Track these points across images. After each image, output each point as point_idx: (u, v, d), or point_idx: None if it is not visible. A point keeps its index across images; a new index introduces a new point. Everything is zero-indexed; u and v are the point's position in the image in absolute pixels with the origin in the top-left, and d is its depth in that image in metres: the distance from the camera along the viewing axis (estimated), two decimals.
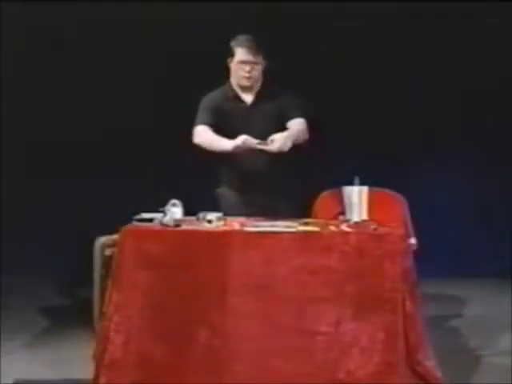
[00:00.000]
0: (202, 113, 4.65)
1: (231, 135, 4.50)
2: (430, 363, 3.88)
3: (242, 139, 4.39)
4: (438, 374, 3.90)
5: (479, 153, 7.24)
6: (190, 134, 4.76)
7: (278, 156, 4.50)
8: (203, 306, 3.87)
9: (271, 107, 4.60)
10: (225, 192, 4.71)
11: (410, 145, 7.12)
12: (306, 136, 4.62)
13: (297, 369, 3.82)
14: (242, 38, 4.65)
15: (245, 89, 4.67)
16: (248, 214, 4.33)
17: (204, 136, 4.60)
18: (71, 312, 5.89)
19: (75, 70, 7.11)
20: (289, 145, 4.41)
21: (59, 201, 7.10)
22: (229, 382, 3.83)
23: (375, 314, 3.80)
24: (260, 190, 4.60)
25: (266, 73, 4.70)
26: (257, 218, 4.20)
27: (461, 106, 7.05)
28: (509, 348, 4.95)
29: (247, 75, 4.60)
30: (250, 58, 4.59)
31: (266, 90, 4.64)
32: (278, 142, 4.39)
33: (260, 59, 4.62)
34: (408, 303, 3.82)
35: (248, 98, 4.67)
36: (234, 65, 4.65)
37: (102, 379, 3.88)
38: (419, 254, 4.15)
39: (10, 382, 4.37)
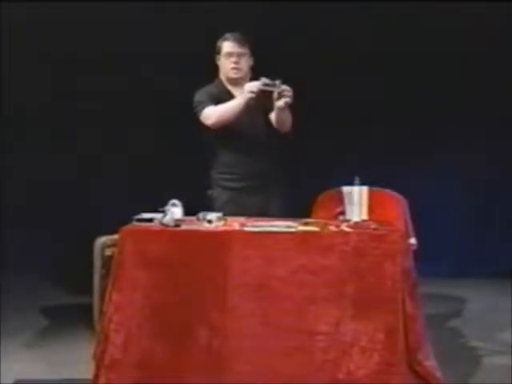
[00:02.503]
0: (203, 101, 4.66)
1: (224, 129, 4.58)
2: (430, 363, 3.88)
3: (249, 89, 4.43)
4: (438, 373, 3.90)
5: (479, 153, 7.23)
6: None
7: (271, 153, 4.64)
8: (203, 306, 3.87)
9: (260, 102, 4.59)
10: (216, 192, 4.73)
11: (410, 145, 7.12)
12: (290, 126, 4.66)
13: (297, 369, 3.82)
14: (227, 34, 4.72)
15: (234, 84, 4.69)
16: (240, 213, 4.37)
17: (216, 112, 4.60)
18: (71, 312, 5.89)
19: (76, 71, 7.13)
20: (291, 93, 4.44)
21: (59, 201, 7.10)
22: (229, 382, 3.83)
23: (375, 314, 3.80)
24: (252, 188, 4.65)
25: (253, 69, 4.74)
26: (257, 218, 4.21)
27: (461, 106, 7.05)
28: (509, 348, 4.95)
29: (235, 66, 4.65)
30: (236, 49, 4.66)
31: None
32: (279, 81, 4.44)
33: (246, 50, 4.68)
34: (408, 303, 3.81)
35: (238, 94, 4.67)
36: (221, 59, 4.70)
37: (102, 379, 3.88)
38: (419, 254, 4.15)
39: (10, 382, 4.38)
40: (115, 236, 4.01)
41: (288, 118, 4.62)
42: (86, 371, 4.00)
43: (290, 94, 4.46)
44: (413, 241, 4.27)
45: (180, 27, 6.98)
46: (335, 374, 3.80)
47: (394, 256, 3.82)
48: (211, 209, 4.44)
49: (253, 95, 4.46)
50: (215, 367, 3.84)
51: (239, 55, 4.66)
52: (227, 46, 4.67)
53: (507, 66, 7.05)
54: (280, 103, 4.48)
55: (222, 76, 4.74)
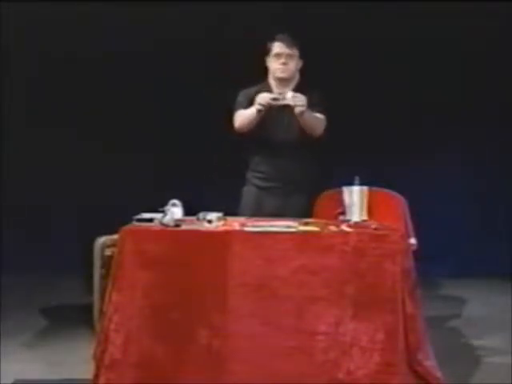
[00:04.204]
0: (238, 103, 4.75)
1: (261, 131, 4.63)
2: (430, 363, 3.88)
3: (259, 101, 4.52)
4: (438, 373, 3.90)
5: (479, 152, 7.23)
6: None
7: (300, 158, 4.67)
8: (203, 306, 3.87)
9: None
10: (247, 190, 4.80)
11: (410, 145, 7.12)
12: (320, 130, 4.67)
13: (297, 369, 3.82)
14: (277, 34, 4.75)
15: (282, 84, 4.71)
16: (260, 212, 4.50)
17: (238, 118, 4.70)
18: (71, 312, 5.89)
19: (77, 71, 7.13)
20: (302, 102, 4.49)
21: (59, 201, 7.10)
22: (228, 382, 3.83)
23: (375, 314, 3.80)
24: (277, 189, 4.70)
25: (302, 72, 4.77)
26: (257, 218, 4.21)
27: (461, 106, 7.05)
28: (509, 348, 4.95)
29: (282, 67, 4.69)
30: (284, 50, 4.70)
31: (300, 90, 4.67)
32: (290, 94, 4.53)
33: (295, 52, 4.72)
34: (408, 303, 3.81)
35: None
36: (270, 60, 4.74)
37: (102, 379, 3.88)
38: (419, 254, 4.15)
39: (10, 382, 4.38)
40: (115, 236, 4.01)
41: (314, 122, 4.63)
42: (86, 371, 4.00)
43: (299, 101, 4.49)
44: (413, 241, 4.27)
45: (180, 27, 6.98)
46: (335, 373, 3.80)
47: (394, 256, 3.82)
48: (240, 204, 4.68)
49: (261, 108, 4.53)
50: (215, 367, 3.84)
51: (288, 56, 4.70)
52: (276, 46, 4.71)
53: (507, 66, 7.04)
54: (296, 111, 4.52)
55: (270, 77, 4.77)
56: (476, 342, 5.13)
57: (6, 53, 7.07)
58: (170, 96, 7.05)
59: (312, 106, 4.61)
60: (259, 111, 4.55)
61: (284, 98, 4.51)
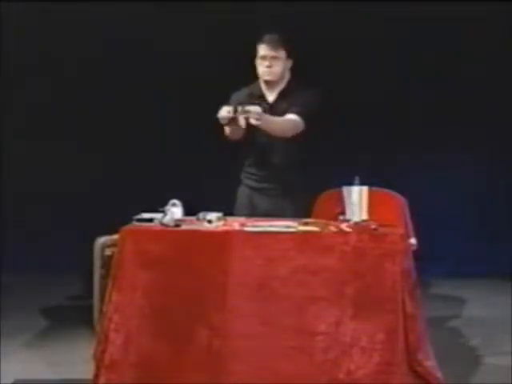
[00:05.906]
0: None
1: (250, 134, 4.58)
2: (430, 363, 3.88)
3: (219, 115, 4.41)
4: (438, 373, 3.90)
5: (479, 153, 7.23)
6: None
7: (293, 158, 4.63)
8: (203, 306, 3.87)
9: (286, 106, 4.60)
10: (241, 191, 4.78)
11: (410, 145, 7.12)
12: (290, 132, 4.56)
13: (297, 369, 3.82)
14: (264, 35, 4.68)
15: (269, 87, 4.68)
16: (253, 212, 4.47)
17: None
18: (71, 312, 5.90)
19: (78, 71, 7.14)
20: (255, 115, 4.34)
21: (59, 201, 7.10)
22: (229, 382, 3.83)
23: (375, 314, 3.80)
24: (269, 190, 4.68)
25: (293, 71, 4.72)
26: (257, 218, 4.21)
27: (461, 106, 7.05)
28: (509, 348, 4.95)
29: (267, 70, 4.63)
30: (269, 52, 4.62)
31: (289, 89, 4.66)
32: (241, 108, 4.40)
33: (281, 54, 4.63)
34: (408, 303, 3.81)
35: (271, 97, 4.68)
36: (257, 62, 4.68)
37: (102, 379, 3.88)
38: (419, 254, 4.15)
39: (10, 382, 4.38)
40: (115, 236, 4.01)
41: (277, 128, 4.52)
42: (86, 371, 4.00)
43: (251, 115, 4.35)
44: (413, 241, 4.27)
45: (181, 27, 6.99)
46: (335, 373, 3.80)
47: (394, 256, 3.82)
48: (235, 204, 4.68)
49: (224, 121, 4.42)
50: (215, 367, 3.84)
51: (273, 59, 4.61)
52: (261, 49, 4.64)
53: (507, 66, 7.04)
54: (252, 123, 4.41)
55: (260, 78, 4.74)
56: (476, 342, 5.13)
57: (6, 53, 7.07)
58: (170, 96, 7.05)
59: (292, 105, 4.56)
60: (226, 124, 4.46)
61: (236, 111, 4.35)
